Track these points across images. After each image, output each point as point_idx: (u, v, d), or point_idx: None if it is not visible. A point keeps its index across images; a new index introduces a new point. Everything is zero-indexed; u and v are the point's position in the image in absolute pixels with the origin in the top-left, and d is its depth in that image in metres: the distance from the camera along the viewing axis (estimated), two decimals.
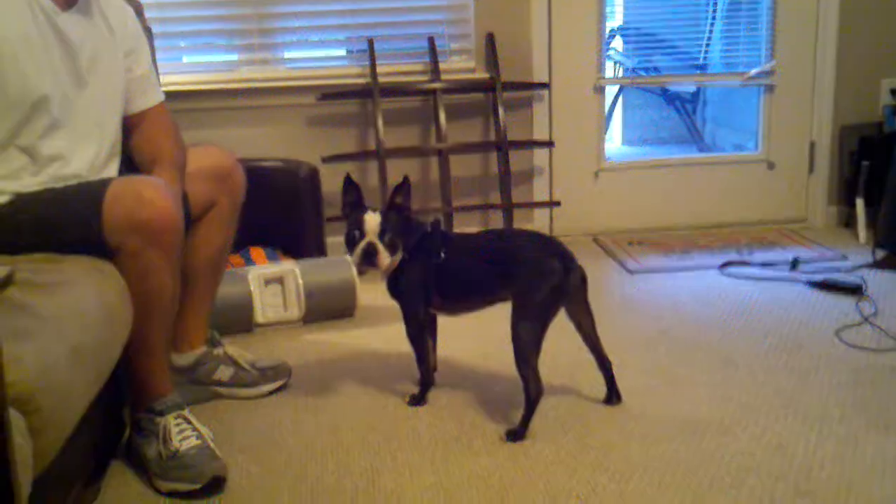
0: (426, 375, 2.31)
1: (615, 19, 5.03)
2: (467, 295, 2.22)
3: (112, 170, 2.12)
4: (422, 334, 2.28)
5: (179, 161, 2.14)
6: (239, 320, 2.78)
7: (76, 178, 1.99)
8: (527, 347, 2.04)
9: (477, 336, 2.59)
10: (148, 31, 2.72)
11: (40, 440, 1.36)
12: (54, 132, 1.96)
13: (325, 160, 3.42)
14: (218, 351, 2.34)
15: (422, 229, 2.21)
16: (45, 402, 1.38)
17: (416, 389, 2.33)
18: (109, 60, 2.10)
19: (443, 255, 2.16)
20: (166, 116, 2.24)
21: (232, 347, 2.39)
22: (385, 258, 2.15)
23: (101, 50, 2.06)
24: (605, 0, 3.77)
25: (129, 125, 2.18)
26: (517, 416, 2.10)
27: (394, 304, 2.99)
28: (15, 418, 1.30)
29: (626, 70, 5.01)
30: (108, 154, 2.11)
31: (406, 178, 2.18)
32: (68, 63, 1.98)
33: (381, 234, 2.14)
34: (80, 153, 2.02)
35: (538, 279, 2.05)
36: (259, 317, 2.82)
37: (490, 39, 3.57)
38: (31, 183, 1.93)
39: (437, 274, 2.17)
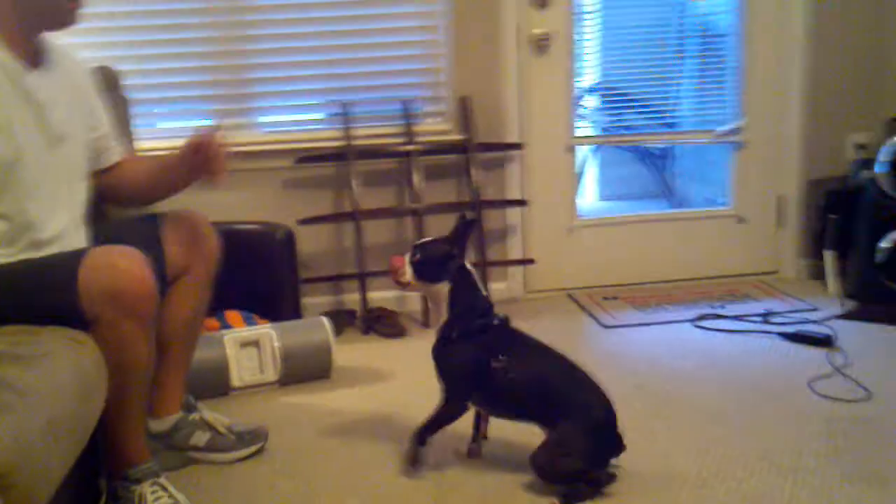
0: (423, 438, 2.19)
1: (589, 78, 5.13)
2: (508, 408, 2.16)
3: (81, 233, 2.14)
4: (453, 419, 2.18)
5: None
6: (215, 384, 2.77)
7: (50, 245, 2.00)
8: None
9: None
10: (124, 98, 2.77)
11: None
12: (28, 196, 1.97)
13: (302, 222, 3.45)
14: (194, 416, 2.34)
15: (475, 296, 2.15)
16: (21, 477, 1.38)
17: (389, 450, 2.30)
18: (76, 120, 2.13)
19: (502, 363, 2.09)
20: (137, 158, 2.33)
21: (208, 412, 2.39)
22: (403, 270, 2.15)
23: (68, 110, 2.09)
24: (576, 63, 3.85)
25: (104, 177, 2.24)
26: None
27: (370, 366, 3.00)
28: None
29: (599, 128, 5.10)
30: (78, 217, 2.13)
31: (463, 216, 2.18)
32: (39, 124, 2.00)
33: (413, 254, 2.15)
34: (52, 218, 2.03)
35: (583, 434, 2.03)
36: (235, 380, 2.81)
37: (464, 102, 3.64)
38: (5, 253, 1.94)
39: (488, 373, 2.10)
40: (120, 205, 2.37)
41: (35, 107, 1.99)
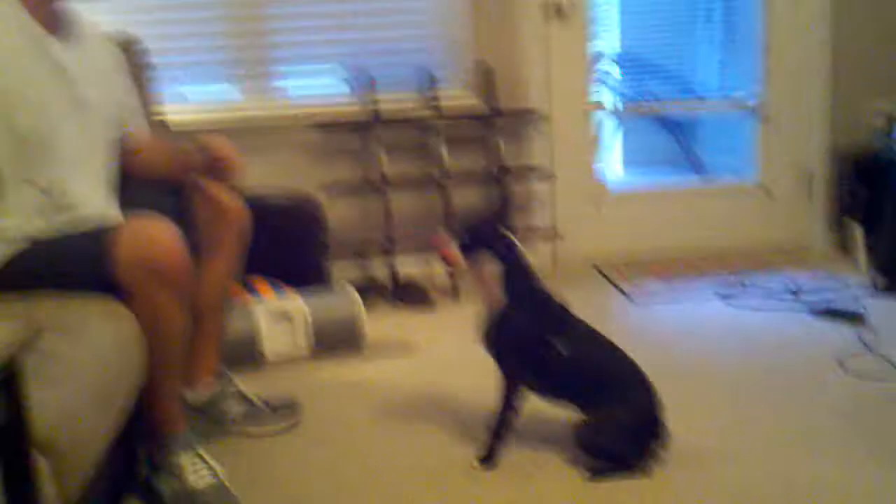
0: (502, 432, 2.15)
1: (610, 46, 5.09)
2: (557, 389, 2.15)
3: (114, 203, 2.16)
4: (520, 401, 2.15)
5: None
6: (248, 355, 2.80)
7: (84, 214, 2.02)
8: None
9: None
10: (145, 64, 2.76)
11: (62, 484, 1.39)
12: (59, 163, 1.99)
13: (328, 191, 3.45)
14: (229, 386, 2.37)
15: (528, 274, 2.13)
16: (66, 446, 1.42)
17: (422, 421, 2.32)
18: (102, 92, 2.14)
19: (559, 345, 2.09)
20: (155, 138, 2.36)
21: (242, 382, 2.41)
22: (449, 249, 2.11)
23: (94, 82, 2.10)
24: (598, 31, 3.80)
25: (124, 151, 2.26)
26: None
27: (400, 339, 3.01)
28: (39, 463, 1.33)
29: (622, 96, 5.06)
30: (107, 183, 2.16)
31: (504, 198, 2.16)
32: (68, 94, 2.01)
33: (459, 235, 2.12)
34: (83, 184, 2.05)
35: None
36: (268, 352, 2.84)
37: (486, 69, 3.61)
38: (41, 221, 1.96)
39: (545, 352, 2.10)
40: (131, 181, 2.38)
41: (62, 77, 2.00)
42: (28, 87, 1.92)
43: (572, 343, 2.09)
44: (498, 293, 2.10)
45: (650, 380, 2.10)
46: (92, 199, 2.07)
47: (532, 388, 2.16)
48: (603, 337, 2.16)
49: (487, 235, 2.10)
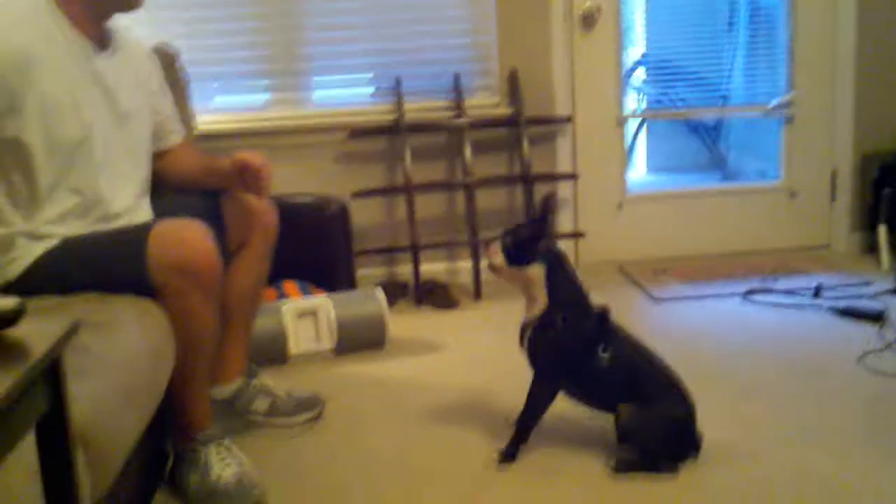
0: (527, 432, 2.20)
1: (638, 51, 5.11)
2: (597, 397, 2.18)
3: (146, 206, 2.24)
4: (548, 404, 2.20)
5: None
6: (273, 352, 2.87)
7: (118, 218, 2.10)
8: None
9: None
10: (180, 75, 2.84)
11: (95, 474, 1.45)
12: (98, 172, 2.06)
13: (355, 195, 3.52)
14: (255, 382, 2.43)
15: (573, 281, 2.16)
16: (99, 438, 1.48)
17: (444, 419, 2.37)
18: (140, 102, 2.23)
19: (604, 355, 2.11)
20: (189, 150, 2.45)
21: (268, 378, 2.48)
22: (495, 254, 2.16)
23: (132, 92, 2.18)
24: (625, 34, 3.85)
25: (159, 159, 2.36)
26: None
27: (423, 337, 3.06)
28: (76, 455, 1.39)
29: (648, 100, 5.08)
30: (142, 192, 2.24)
31: (547, 198, 2.17)
32: (106, 104, 2.09)
33: (503, 239, 2.17)
34: (120, 192, 2.13)
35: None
36: (293, 348, 2.90)
37: (513, 75, 3.66)
38: (78, 225, 2.04)
39: (589, 363, 2.12)
40: (164, 188, 2.46)
41: (102, 87, 2.08)
42: (69, 99, 1.99)
43: (614, 351, 2.12)
44: (542, 299, 2.13)
45: (688, 390, 2.13)
46: (126, 201, 2.14)
47: (569, 392, 2.20)
48: (644, 345, 2.19)
49: (534, 245, 2.13)
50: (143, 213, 2.21)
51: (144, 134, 2.26)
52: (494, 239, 2.19)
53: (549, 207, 2.16)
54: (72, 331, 1.26)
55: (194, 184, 2.37)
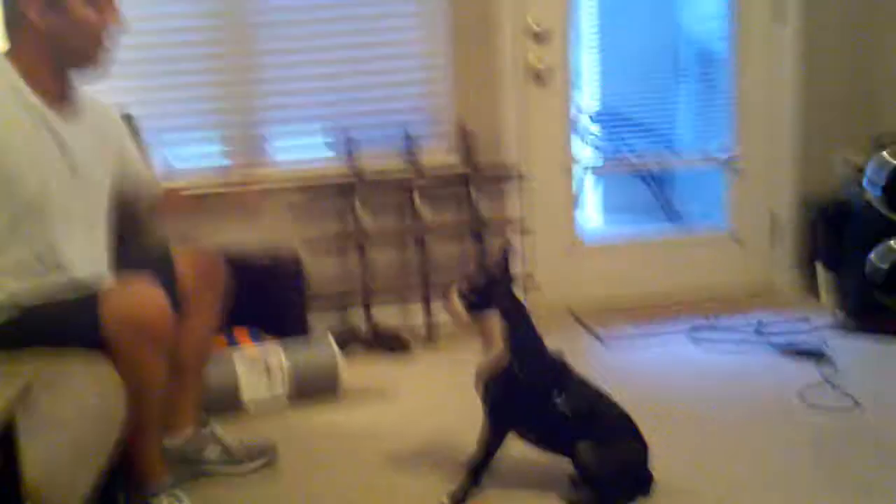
0: (478, 475, 2.23)
1: (589, 102, 5.24)
2: (551, 441, 2.22)
3: (105, 265, 2.25)
4: (499, 446, 2.22)
5: None
6: (225, 400, 2.88)
7: (74, 276, 2.11)
8: None
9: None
10: (140, 138, 2.89)
11: None
12: (54, 228, 2.09)
13: (308, 245, 3.56)
14: (207, 430, 2.45)
15: (530, 329, 2.21)
16: (51, 494, 1.49)
17: (397, 466, 2.40)
18: (101, 160, 2.25)
19: (559, 400, 2.16)
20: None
21: (220, 426, 2.50)
22: (453, 300, 2.18)
23: (93, 152, 2.21)
24: (576, 87, 3.96)
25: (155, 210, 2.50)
26: None
27: (376, 383, 3.09)
28: None
29: (599, 150, 5.21)
30: (102, 248, 2.26)
31: (504, 245, 2.23)
32: (66, 164, 2.11)
33: (459, 286, 2.20)
34: (78, 251, 2.14)
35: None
36: (245, 396, 2.92)
37: (465, 129, 3.75)
38: (34, 285, 2.06)
39: (544, 409, 2.17)
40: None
41: (60, 143, 2.10)
42: (27, 158, 2.02)
43: (569, 395, 2.17)
44: (499, 344, 2.17)
45: (642, 433, 2.19)
46: (84, 262, 2.16)
47: (523, 436, 2.23)
48: (597, 387, 2.24)
49: (491, 291, 2.18)
50: (100, 268, 2.22)
51: (103, 192, 2.27)
52: (453, 284, 2.23)
53: (506, 254, 2.21)
54: (24, 393, 1.28)
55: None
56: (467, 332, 2.24)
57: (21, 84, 2.05)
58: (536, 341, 2.22)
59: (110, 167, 2.30)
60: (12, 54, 2.08)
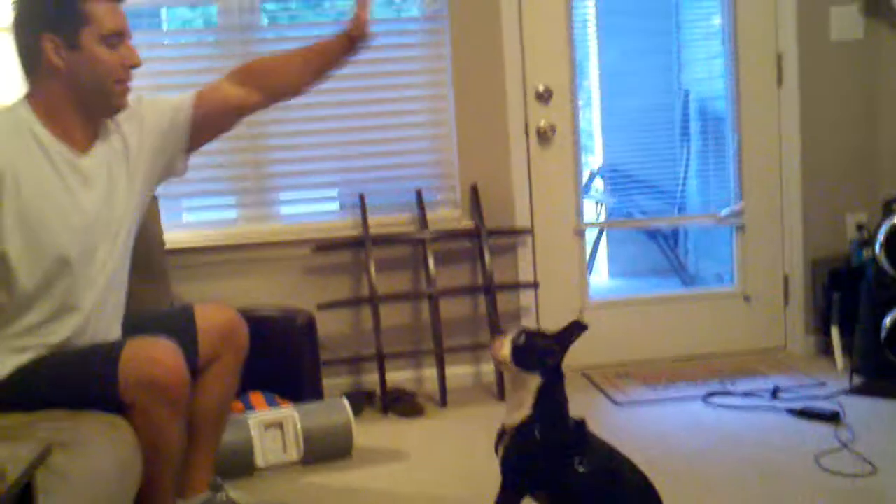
0: None
1: (597, 162, 5.30)
2: None
3: (119, 324, 2.27)
4: None
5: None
6: (240, 464, 2.87)
7: (94, 330, 2.14)
8: None
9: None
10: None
11: None
12: (78, 284, 2.12)
13: (321, 307, 3.59)
14: (221, 495, 2.44)
15: (561, 399, 2.17)
16: None
17: None
18: (125, 186, 2.24)
19: (581, 466, 2.12)
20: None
21: (234, 491, 2.49)
22: (502, 347, 2.14)
23: (114, 179, 2.21)
24: (582, 146, 4.02)
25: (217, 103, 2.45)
26: None
27: (390, 446, 3.08)
28: None
29: (607, 209, 5.25)
30: (121, 307, 2.28)
31: (578, 320, 2.17)
32: (97, 208, 2.15)
33: (517, 335, 2.15)
34: (96, 302, 2.17)
35: None
36: (259, 460, 2.91)
37: (474, 190, 3.80)
38: (55, 333, 2.09)
39: (564, 475, 2.14)
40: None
41: (84, 184, 2.14)
42: (54, 211, 2.07)
43: (591, 462, 2.14)
44: (528, 408, 2.13)
45: (662, 500, 2.17)
46: (104, 318, 2.19)
47: (543, 502, 2.21)
48: (618, 451, 2.22)
49: (544, 356, 2.14)
50: (115, 329, 2.25)
51: (129, 236, 2.26)
52: (509, 331, 2.19)
53: (577, 329, 2.17)
54: (43, 455, 1.30)
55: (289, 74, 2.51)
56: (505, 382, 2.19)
57: (39, 128, 2.09)
58: (563, 408, 2.19)
59: (139, 186, 2.28)
60: (32, 97, 2.13)
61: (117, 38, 2.13)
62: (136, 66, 2.19)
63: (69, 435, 1.85)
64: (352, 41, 2.46)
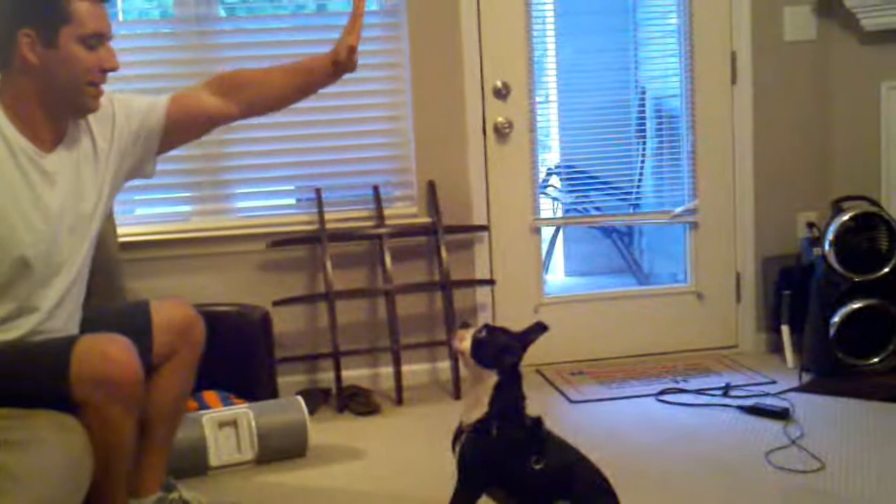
0: None
1: (553, 159, 5.32)
2: (519, 501, 2.20)
3: (76, 320, 2.23)
4: None
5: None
6: (193, 463, 2.84)
7: (50, 329, 2.11)
8: None
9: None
10: None
11: None
12: (37, 282, 2.08)
13: (276, 304, 3.56)
14: (173, 495, 2.41)
15: (518, 398, 2.18)
16: None
17: None
18: (93, 185, 2.21)
19: (538, 465, 2.14)
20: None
21: (187, 491, 2.46)
22: (464, 339, 2.16)
23: (81, 179, 2.18)
24: (539, 144, 4.04)
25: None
26: None
27: (345, 444, 3.07)
28: None
29: (563, 206, 5.27)
30: (79, 305, 2.24)
31: (540, 323, 2.20)
32: (56, 207, 2.10)
33: (479, 329, 2.17)
34: (57, 305, 2.14)
35: None
36: (213, 460, 2.88)
37: (431, 186, 3.79)
38: (11, 333, 2.06)
39: (520, 473, 2.15)
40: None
41: (54, 188, 2.10)
42: (19, 218, 2.03)
43: (547, 459, 2.16)
44: (484, 406, 2.14)
45: (616, 493, 2.20)
46: (62, 316, 2.16)
47: (499, 499, 2.22)
48: (573, 447, 2.25)
49: (503, 355, 2.15)
50: (72, 325, 2.21)
51: (90, 242, 2.23)
52: (471, 326, 2.21)
53: (539, 330, 2.19)
54: None
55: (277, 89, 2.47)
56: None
57: (5, 124, 2.05)
58: (520, 406, 2.20)
59: (107, 188, 2.25)
60: (2, 93, 2.09)
61: (97, 39, 2.09)
62: (113, 69, 2.15)
63: (19, 434, 1.82)
64: (336, 67, 2.42)
